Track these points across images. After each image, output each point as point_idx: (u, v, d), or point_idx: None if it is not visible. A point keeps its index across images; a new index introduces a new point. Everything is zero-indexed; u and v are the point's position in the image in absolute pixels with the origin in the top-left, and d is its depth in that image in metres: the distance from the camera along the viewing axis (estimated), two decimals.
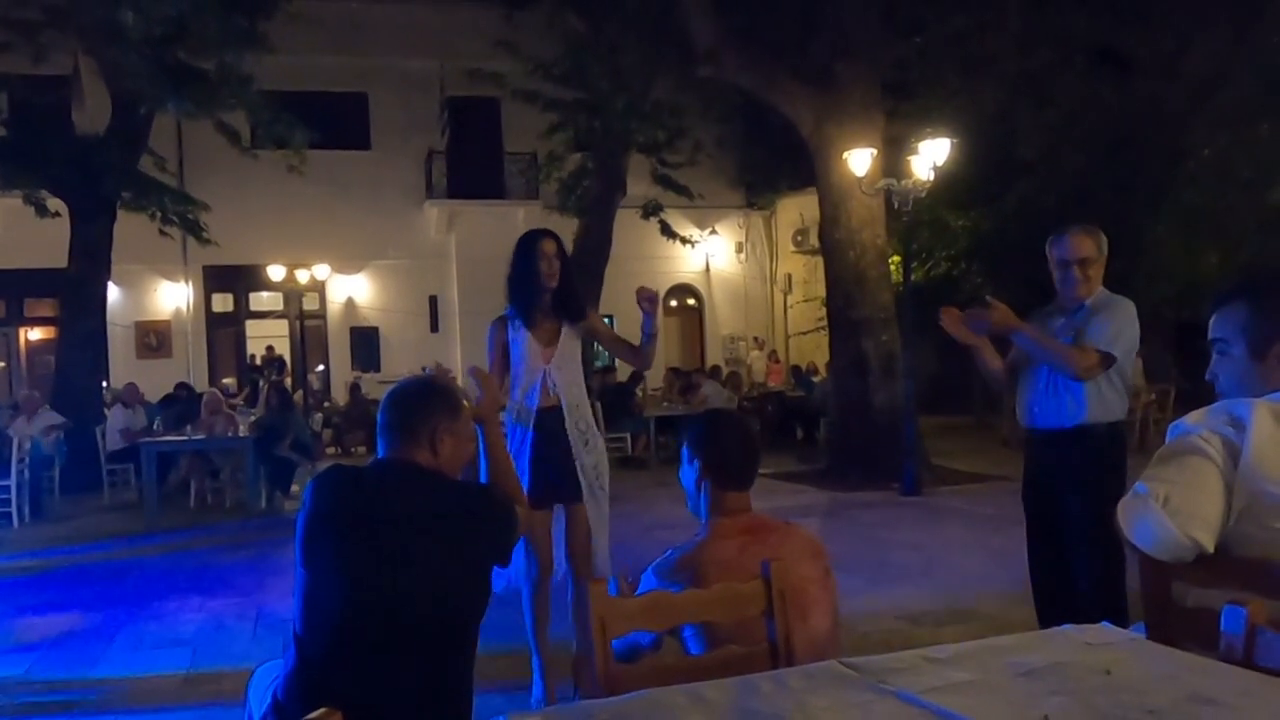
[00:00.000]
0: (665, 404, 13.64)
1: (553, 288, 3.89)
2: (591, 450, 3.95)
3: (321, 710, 1.42)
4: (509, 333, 3.93)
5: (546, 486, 3.86)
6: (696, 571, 2.19)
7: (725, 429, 2.44)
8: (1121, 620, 2.32)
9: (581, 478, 3.92)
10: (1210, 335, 2.10)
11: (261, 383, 16.54)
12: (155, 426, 11.00)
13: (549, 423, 3.89)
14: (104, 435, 10.91)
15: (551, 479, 3.87)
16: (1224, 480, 1.85)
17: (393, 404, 2.32)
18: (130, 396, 11.48)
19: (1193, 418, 1.96)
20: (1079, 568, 3.62)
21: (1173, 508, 1.84)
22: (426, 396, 2.32)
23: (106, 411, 12.40)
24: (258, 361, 18.05)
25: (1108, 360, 3.52)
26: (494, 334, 3.96)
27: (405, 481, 2.23)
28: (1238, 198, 13.34)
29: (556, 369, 3.91)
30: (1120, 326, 3.58)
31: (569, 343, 3.95)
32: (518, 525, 2.40)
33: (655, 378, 16.27)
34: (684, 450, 2.43)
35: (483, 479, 2.89)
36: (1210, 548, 1.85)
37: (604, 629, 1.91)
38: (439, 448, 2.27)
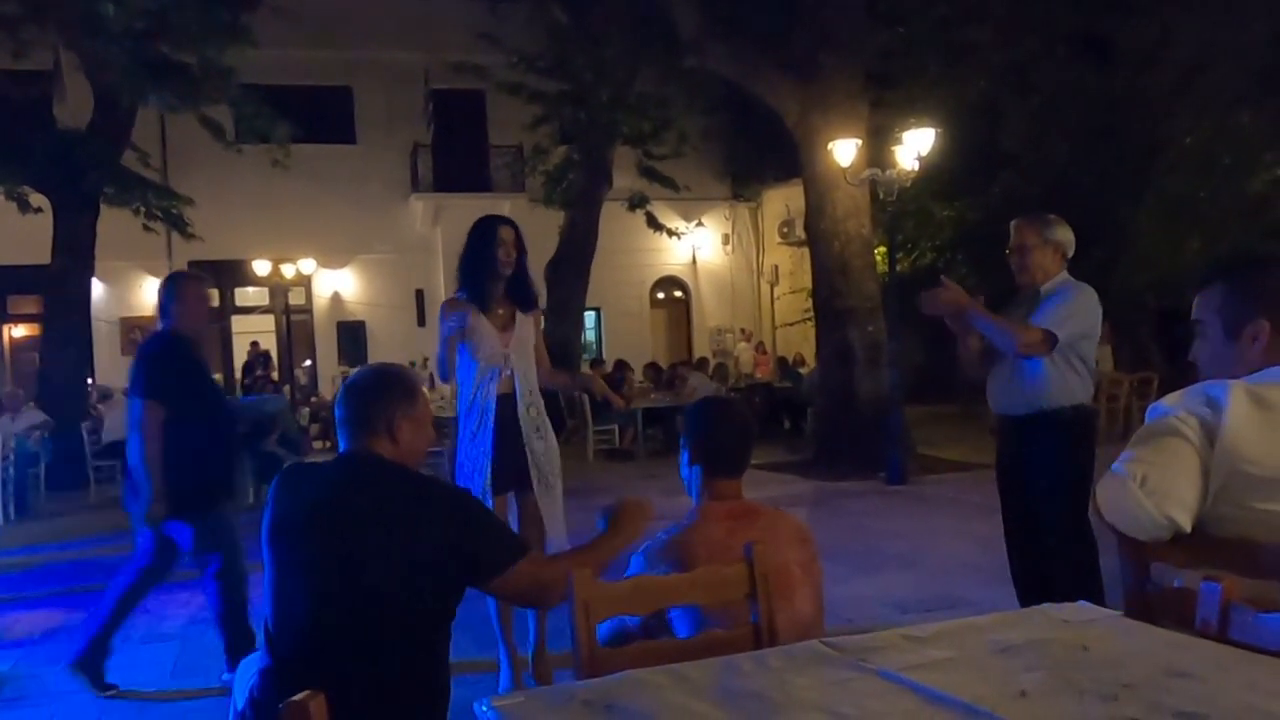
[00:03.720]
0: (653, 396, 13.64)
1: (506, 275, 3.90)
2: (543, 437, 3.94)
3: (305, 693, 1.42)
4: (464, 315, 3.85)
5: (500, 475, 3.86)
6: (685, 552, 2.21)
7: (718, 416, 2.47)
8: (1097, 600, 2.35)
9: (533, 467, 3.90)
10: (1192, 317, 2.14)
11: (246, 379, 16.50)
12: None
13: (504, 410, 3.89)
14: (89, 432, 10.87)
15: (504, 467, 3.86)
16: (1201, 461, 1.87)
17: (348, 396, 2.27)
18: None
19: (1170, 399, 1.98)
20: (1052, 549, 3.68)
21: (1150, 488, 1.86)
22: (381, 385, 2.29)
23: (93, 409, 12.35)
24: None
25: (1051, 339, 3.57)
26: (445, 314, 3.86)
27: (367, 475, 2.20)
28: (1219, 186, 13.40)
29: (514, 354, 3.90)
30: (1070, 310, 3.63)
31: (524, 329, 3.95)
32: (508, 547, 2.23)
33: (640, 370, 16.28)
34: (682, 440, 2.45)
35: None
36: (1187, 527, 1.87)
37: (588, 613, 1.92)
38: (398, 435, 2.23)
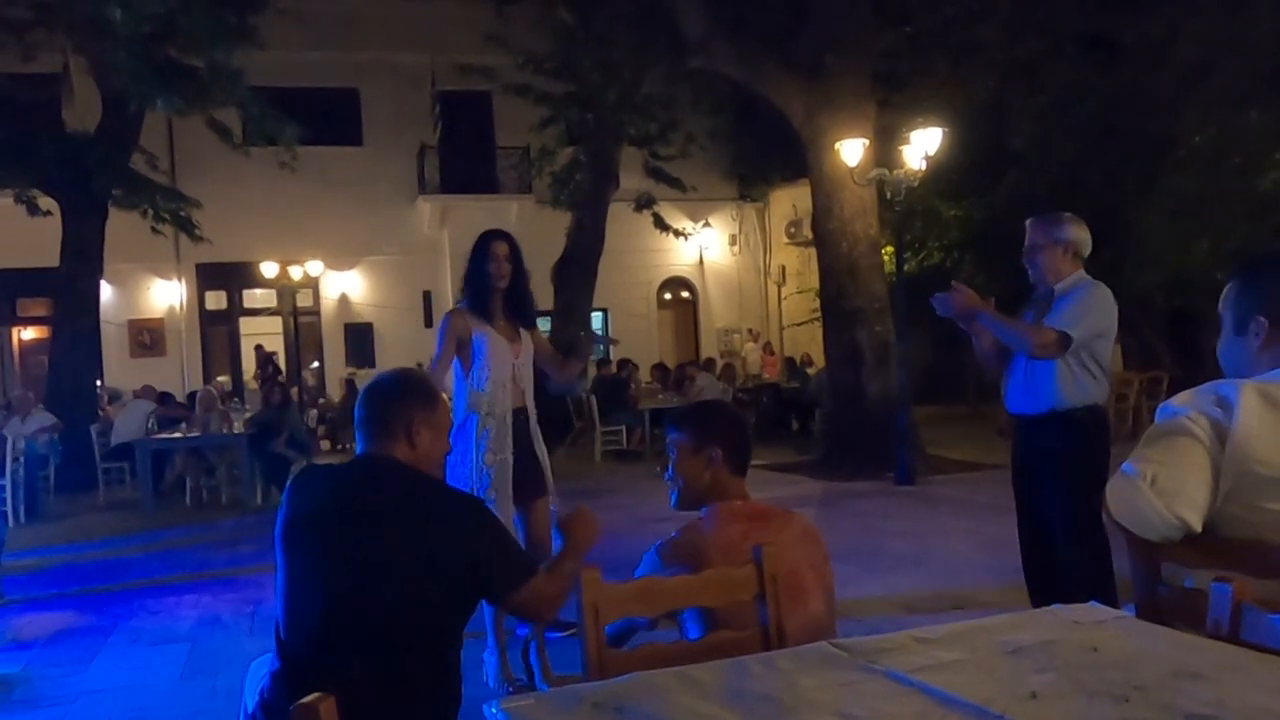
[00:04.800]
0: (660, 396, 13.63)
1: (501, 288, 4.00)
2: (541, 443, 4.14)
3: (315, 695, 1.42)
4: (469, 327, 3.97)
5: (515, 487, 3.96)
6: (701, 554, 2.20)
7: (736, 416, 2.55)
8: (1109, 601, 2.34)
9: (546, 472, 4.07)
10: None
11: (252, 381, 16.58)
12: (150, 425, 11.00)
13: (518, 421, 3.99)
14: (98, 434, 10.91)
15: (518, 476, 3.96)
16: (1211, 460, 1.87)
17: (368, 398, 2.27)
18: (149, 396, 12.01)
19: (1181, 399, 1.97)
20: (1064, 550, 3.67)
21: (1160, 487, 1.86)
22: (401, 389, 2.28)
23: (102, 411, 12.41)
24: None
25: (1065, 340, 3.55)
26: (449, 323, 3.99)
27: (383, 478, 2.19)
28: (1228, 185, 13.34)
29: (524, 366, 4.03)
30: (1082, 309, 3.61)
31: (528, 344, 4.09)
32: (520, 566, 2.20)
33: (647, 370, 16.30)
34: (689, 443, 2.37)
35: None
36: (1198, 527, 1.86)
37: (596, 614, 1.92)
38: (416, 440, 2.22)
